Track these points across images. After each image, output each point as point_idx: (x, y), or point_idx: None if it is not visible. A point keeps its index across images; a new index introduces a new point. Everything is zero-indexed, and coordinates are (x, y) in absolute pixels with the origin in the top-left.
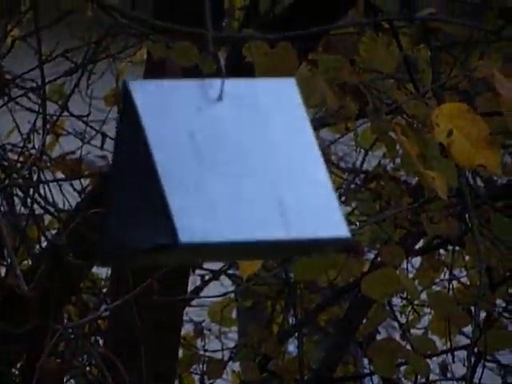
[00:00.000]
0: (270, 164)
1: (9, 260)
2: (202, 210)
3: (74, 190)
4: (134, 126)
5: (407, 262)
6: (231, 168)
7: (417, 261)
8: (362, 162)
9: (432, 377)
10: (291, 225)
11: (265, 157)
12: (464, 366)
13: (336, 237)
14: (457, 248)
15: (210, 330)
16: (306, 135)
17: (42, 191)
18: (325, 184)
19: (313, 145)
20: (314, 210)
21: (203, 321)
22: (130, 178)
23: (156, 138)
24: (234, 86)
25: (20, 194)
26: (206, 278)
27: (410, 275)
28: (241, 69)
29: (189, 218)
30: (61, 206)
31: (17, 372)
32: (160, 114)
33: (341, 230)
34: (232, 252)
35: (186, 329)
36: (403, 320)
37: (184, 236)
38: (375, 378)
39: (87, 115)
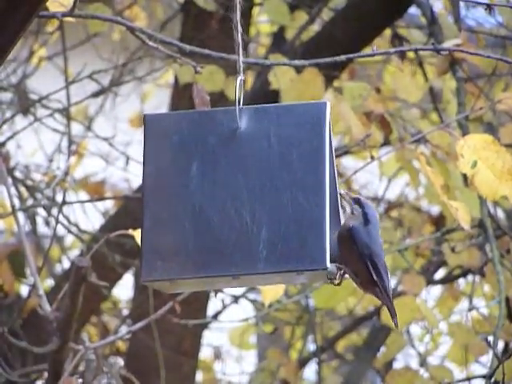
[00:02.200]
0: (267, 195)
1: (32, 279)
2: (171, 249)
3: (98, 211)
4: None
5: (427, 291)
6: (221, 199)
7: (436, 289)
8: (385, 191)
9: None
10: (265, 258)
11: (264, 188)
12: None
13: (314, 268)
14: (476, 278)
15: (228, 353)
16: (320, 163)
17: (65, 212)
18: (320, 216)
19: (322, 175)
20: (295, 244)
21: (222, 345)
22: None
23: (150, 171)
24: (256, 112)
25: (43, 213)
26: (227, 302)
27: (430, 303)
28: (267, 95)
29: (154, 259)
30: (84, 226)
31: None
32: (162, 145)
33: (320, 262)
34: (209, 282)
35: (206, 352)
36: (421, 348)
37: (145, 276)
38: None
39: (112, 137)
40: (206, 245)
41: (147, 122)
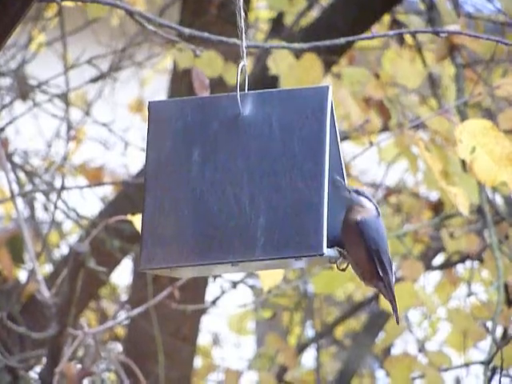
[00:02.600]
0: (266, 181)
1: (31, 265)
2: (170, 237)
3: (96, 196)
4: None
5: (425, 277)
6: (222, 185)
7: (435, 275)
8: (384, 177)
9: None
10: (262, 245)
11: (264, 173)
12: (478, 380)
13: (310, 254)
14: (475, 264)
15: (227, 339)
16: (320, 148)
17: (63, 197)
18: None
19: (322, 160)
20: (292, 230)
21: (221, 330)
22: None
23: (153, 157)
24: (258, 97)
25: (42, 199)
26: (226, 288)
27: (428, 289)
28: (266, 80)
29: (154, 246)
30: (82, 212)
31: (36, 376)
32: (165, 131)
33: (316, 248)
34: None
35: (204, 338)
36: (419, 333)
37: (144, 264)
38: None
39: (111, 122)
40: (204, 232)
41: (151, 109)
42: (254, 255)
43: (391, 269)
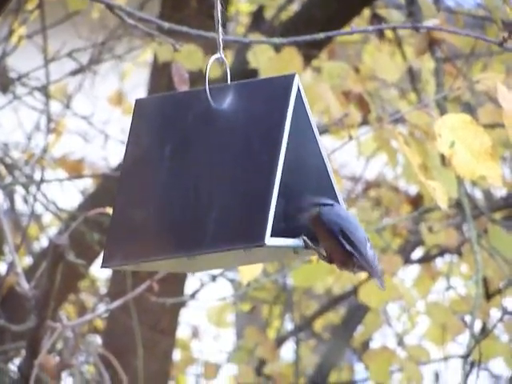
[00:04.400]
0: (226, 173)
1: (10, 257)
2: (134, 234)
3: (76, 189)
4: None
5: (404, 271)
6: (186, 179)
7: (413, 269)
8: (363, 170)
9: None
10: (211, 238)
11: (225, 166)
12: (457, 374)
13: (251, 244)
14: (454, 258)
15: (206, 332)
16: (277, 139)
17: (43, 190)
18: (266, 192)
19: (276, 151)
20: (239, 221)
21: (200, 323)
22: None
23: (129, 155)
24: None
25: (22, 191)
26: (205, 280)
27: (407, 283)
28: (246, 74)
29: (117, 242)
30: (62, 205)
31: (15, 368)
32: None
33: (258, 238)
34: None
35: (184, 331)
36: (398, 327)
37: (104, 263)
38: None
39: (91, 115)
40: (164, 227)
41: (136, 106)
42: (202, 248)
43: (364, 244)
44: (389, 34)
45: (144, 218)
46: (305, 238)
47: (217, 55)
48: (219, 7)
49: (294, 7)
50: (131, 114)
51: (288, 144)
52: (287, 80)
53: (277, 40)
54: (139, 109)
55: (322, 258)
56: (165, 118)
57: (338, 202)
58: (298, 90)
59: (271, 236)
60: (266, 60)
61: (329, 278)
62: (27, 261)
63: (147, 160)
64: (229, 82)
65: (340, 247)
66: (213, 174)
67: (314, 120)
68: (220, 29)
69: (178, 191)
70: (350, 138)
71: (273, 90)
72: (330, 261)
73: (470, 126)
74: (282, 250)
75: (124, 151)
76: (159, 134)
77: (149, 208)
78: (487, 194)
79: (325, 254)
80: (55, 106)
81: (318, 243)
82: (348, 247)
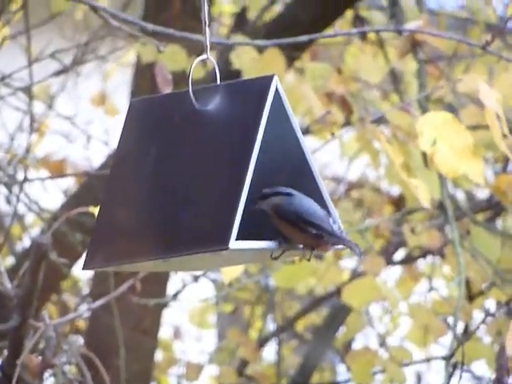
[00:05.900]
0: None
1: None
2: (115, 236)
3: (59, 189)
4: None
5: (386, 272)
6: (166, 181)
7: (396, 270)
8: (345, 171)
9: None
10: (182, 241)
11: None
12: (440, 375)
13: (215, 248)
14: (436, 259)
15: (188, 333)
16: (251, 140)
17: (26, 190)
18: (235, 194)
19: (249, 152)
20: (209, 224)
21: (182, 324)
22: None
23: (118, 158)
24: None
25: (4, 191)
26: (187, 281)
27: (389, 284)
28: (229, 75)
29: (99, 245)
30: (45, 205)
31: None
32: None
33: (222, 241)
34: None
35: (165, 331)
36: (380, 328)
37: (86, 265)
38: None
39: (73, 116)
40: (144, 228)
41: (129, 108)
42: (173, 251)
43: (327, 221)
44: (371, 35)
45: (126, 219)
46: (281, 239)
47: (203, 56)
48: (206, 9)
49: (277, 8)
50: (124, 115)
51: (268, 146)
52: (265, 81)
53: (260, 42)
54: (132, 110)
55: (303, 250)
56: (153, 119)
57: (324, 203)
58: (278, 91)
59: (242, 239)
60: (249, 61)
61: (311, 279)
62: (10, 261)
63: (134, 161)
64: (218, 82)
65: (306, 233)
66: (192, 175)
67: (295, 121)
68: (207, 30)
69: (159, 193)
70: (333, 135)
71: (252, 91)
72: (312, 248)
73: (451, 124)
74: (261, 252)
75: (115, 152)
76: (146, 136)
77: (131, 210)
78: (469, 196)
79: (301, 246)
80: (38, 107)
81: (287, 240)
82: (313, 230)
